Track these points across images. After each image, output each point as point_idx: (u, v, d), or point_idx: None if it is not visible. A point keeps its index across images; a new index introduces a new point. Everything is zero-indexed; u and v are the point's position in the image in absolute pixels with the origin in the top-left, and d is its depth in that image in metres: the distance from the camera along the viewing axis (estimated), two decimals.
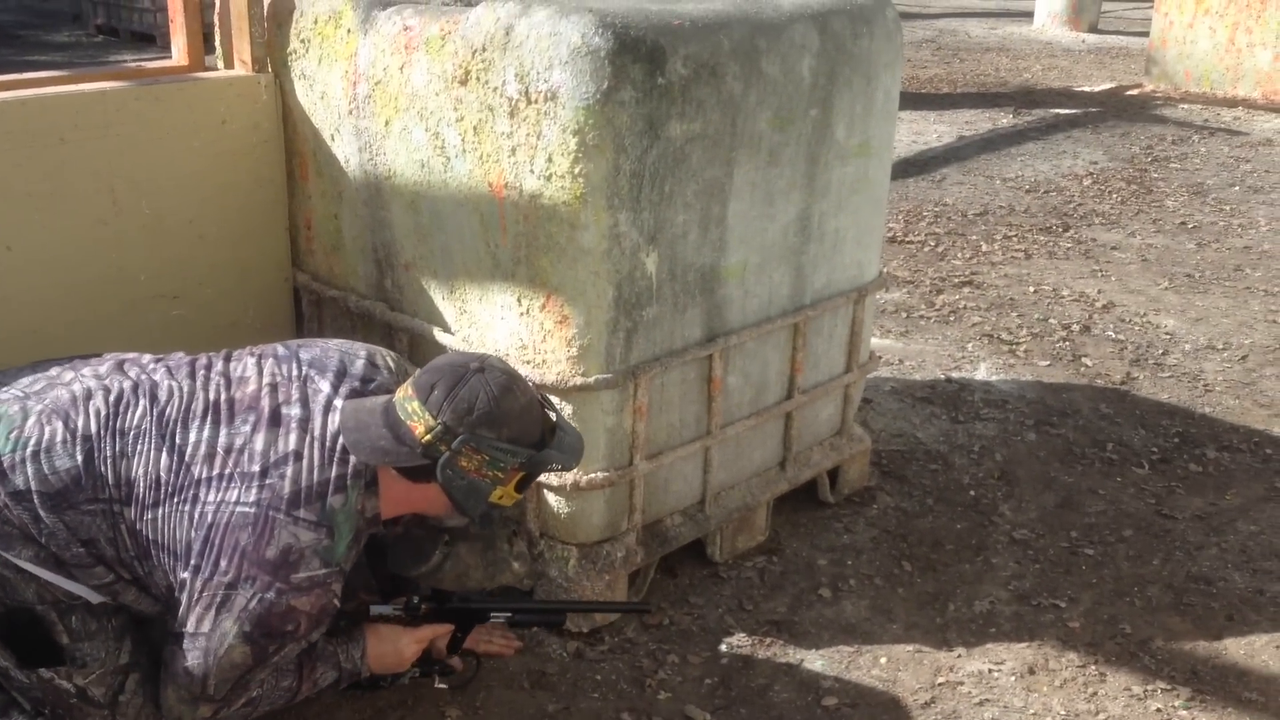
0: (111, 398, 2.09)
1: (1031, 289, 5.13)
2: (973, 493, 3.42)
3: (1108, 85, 9.93)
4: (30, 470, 2.00)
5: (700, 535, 2.91)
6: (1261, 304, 5.04)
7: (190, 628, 2.01)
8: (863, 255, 3.09)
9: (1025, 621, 2.84)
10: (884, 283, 3.27)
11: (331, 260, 3.03)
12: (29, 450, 2.02)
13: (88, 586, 2.07)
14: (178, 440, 2.05)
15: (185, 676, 2.03)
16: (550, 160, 2.37)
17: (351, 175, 2.85)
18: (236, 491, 2.00)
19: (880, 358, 3.61)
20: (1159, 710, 2.55)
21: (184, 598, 2.02)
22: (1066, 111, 8.80)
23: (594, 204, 2.38)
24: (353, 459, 2.06)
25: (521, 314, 2.55)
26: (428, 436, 2.03)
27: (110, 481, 2.03)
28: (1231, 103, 9.02)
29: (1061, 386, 4.16)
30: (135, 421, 2.07)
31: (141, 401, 2.10)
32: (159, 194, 2.82)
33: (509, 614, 2.43)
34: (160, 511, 2.02)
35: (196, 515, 2.00)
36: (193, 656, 2.01)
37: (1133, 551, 3.15)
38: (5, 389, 2.14)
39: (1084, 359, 4.40)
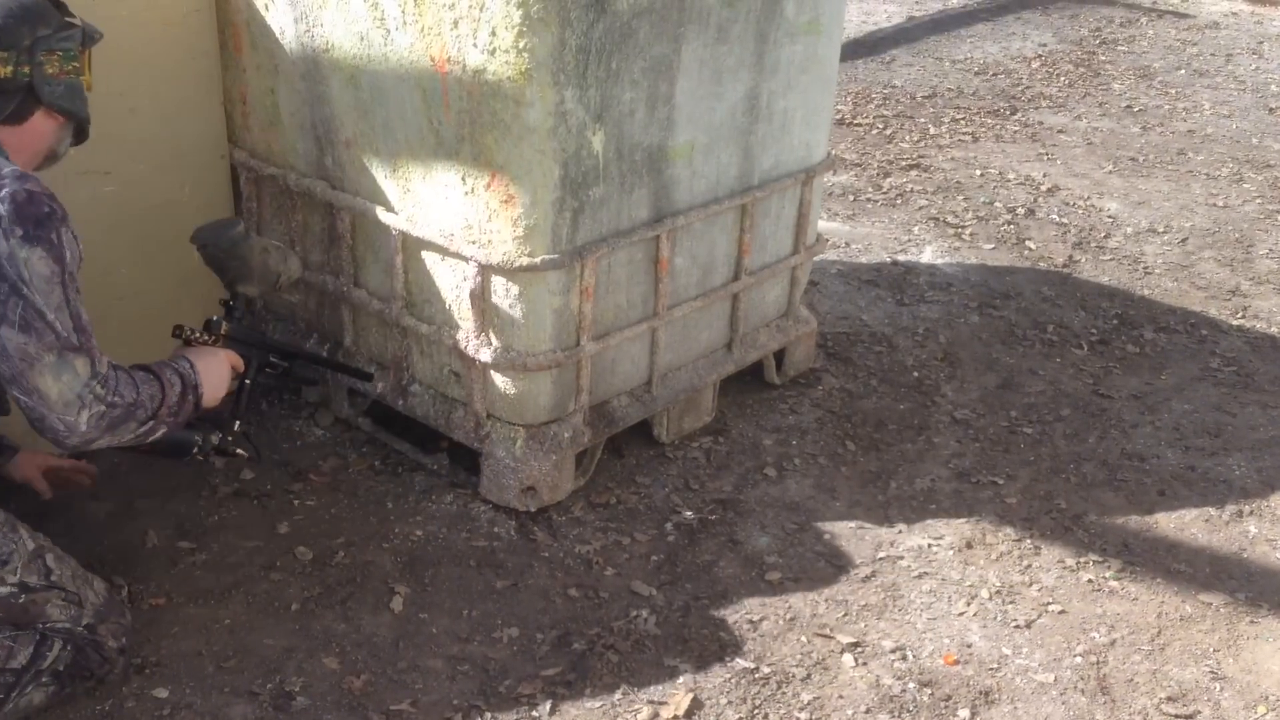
0: None
1: (978, 172, 5.13)
2: (916, 374, 3.46)
3: None
4: None
5: (647, 416, 2.92)
6: (1203, 187, 5.09)
7: None
8: (811, 136, 3.07)
9: (964, 498, 2.90)
10: (832, 164, 3.25)
11: (269, 136, 2.94)
12: None
13: None
14: None
15: (28, 341, 1.91)
16: (494, 34, 2.30)
17: (288, 47, 2.75)
18: None
19: (827, 240, 3.61)
20: (1090, 581, 2.63)
21: None
22: None
23: (539, 80, 2.32)
24: None
25: (466, 193, 2.50)
26: (7, 69, 2.04)
27: None
28: None
29: (1005, 269, 4.19)
30: None
31: None
32: None
33: (280, 361, 2.44)
34: None
35: None
36: (13, 315, 1.90)
37: (1070, 430, 3.22)
38: None
39: (1028, 242, 4.43)
